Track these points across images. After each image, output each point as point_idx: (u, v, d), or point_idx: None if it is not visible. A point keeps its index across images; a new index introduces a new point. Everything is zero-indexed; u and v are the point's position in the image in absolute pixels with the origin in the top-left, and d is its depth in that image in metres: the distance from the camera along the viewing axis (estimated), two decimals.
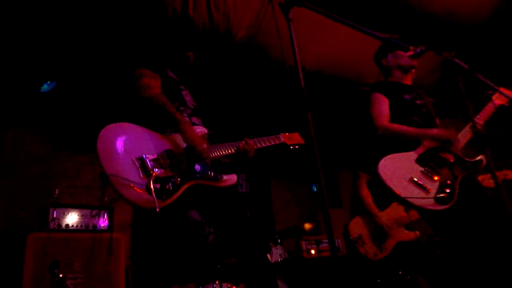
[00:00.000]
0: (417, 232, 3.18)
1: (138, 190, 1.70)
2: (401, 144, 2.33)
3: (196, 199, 2.10)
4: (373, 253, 3.16)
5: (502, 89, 2.29)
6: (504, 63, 4.25)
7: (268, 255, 4.09)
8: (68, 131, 4.65)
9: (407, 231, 3.20)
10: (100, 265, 3.38)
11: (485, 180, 2.91)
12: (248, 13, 3.52)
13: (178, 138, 2.06)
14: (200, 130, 2.16)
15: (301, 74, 1.41)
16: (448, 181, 2.15)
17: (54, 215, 3.41)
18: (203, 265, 3.70)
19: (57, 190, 3.74)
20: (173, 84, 2.30)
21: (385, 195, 3.19)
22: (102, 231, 3.63)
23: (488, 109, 2.32)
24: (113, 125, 1.85)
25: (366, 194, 3.46)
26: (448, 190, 2.10)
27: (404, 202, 2.09)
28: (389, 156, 2.26)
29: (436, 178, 2.16)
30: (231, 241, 2.13)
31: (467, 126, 2.28)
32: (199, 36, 3.69)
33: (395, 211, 3.23)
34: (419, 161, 2.24)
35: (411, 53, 2.47)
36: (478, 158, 2.24)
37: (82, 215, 3.60)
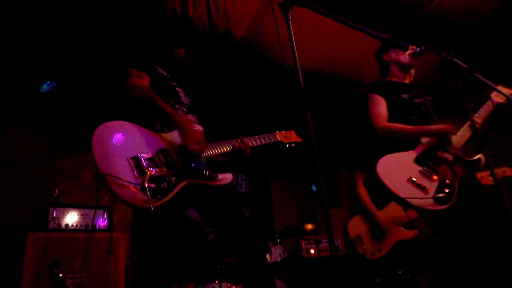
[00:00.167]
0: (415, 231, 3.18)
1: (133, 189, 1.69)
2: (399, 143, 2.33)
3: (192, 198, 2.09)
4: (371, 253, 3.17)
5: (500, 87, 2.30)
6: (504, 63, 4.25)
7: (267, 255, 4.09)
8: (68, 131, 4.65)
9: (405, 230, 3.20)
10: (100, 265, 3.38)
11: (484, 177, 2.92)
12: (247, 13, 3.52)
13: (174, 136, 2.05)
14: (196, 128, 2.16)
15: (300, 74, 1.42)
16: (447, 181, 2.14)
17: (54, 215, 3.41)
18: (203, 265, 3.70)
19: (56, 189, 3.74)
20: (164, 81, 2.29)
21: (383, 194, 3.19)
22: (101, 230, 3.63)
23: (487, 108, 2.32)
24: (108, 124, 1.84)
25: (363, 192, 3.47)
26: (447, 190, 2.10)
27: (403, 202, 2.08)
28: (388, 156, 2.26)
29: (435, 177, 2.15)
30: (229, 240, 2.12)
31: (466, 125, 2.29)
32: (199, 36, 3.69)
33: (393, 210, 3.24)
34: (418, 160, 2.23)
35: (411, 51, 2.48)
36: (477, 157, 2.24)
37: (82, 215, 3.60)
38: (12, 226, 3.96)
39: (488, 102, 2.34)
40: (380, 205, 3.32)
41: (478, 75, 1.78)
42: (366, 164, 3.63)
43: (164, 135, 2.04)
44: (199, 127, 2.15)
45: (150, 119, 2.10)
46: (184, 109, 2.26)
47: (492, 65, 4.16)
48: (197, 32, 3.61)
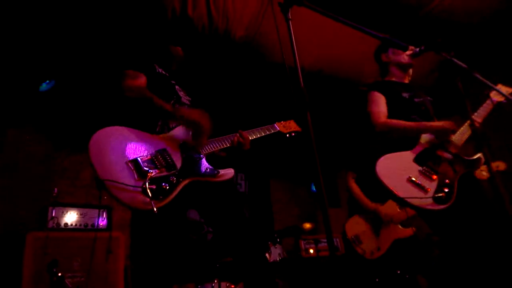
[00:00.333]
0: (413, 228, 3.18)
1: (134, 192, 1.69)
2: (398, 142, 2.33)
3: (194, 196, 2.09)
4: (370, 252, 3.16)
5: (499, 86, 2.30)
6: (504, 63, 4.26)
7: (267, 254, 4.09)
8: (68, 130, 4.65)
9: (403, 228, 3.20)
10: (99, 264, 3.38)
11: (477, 172, 2.91)
12: (247, 13, 3.52)
13: (174, 135, 2.05)
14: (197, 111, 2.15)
15: (300, 74, 1.42)
16: (447, 180, 2.14)
17: (53, 214, 3.40)
18: (202, 265, 3.70)
19: (56, 189, 3.73)
20: (164, 80, 2.28)
21: (378, 192, 3.19)
22: (101, 230, 3.63)
23: (486, 107, 2.32)
24: (103, 130, 1.83)
25: (356, 190, 3.47)
26: (446, 190, 2.09)
27: (402, 202, 2.08)
28: (387, 155, 2.26)
29: (434, 177, 2.15)
30: (229, 239, 2.12)
31: (466, 124, 2.29)
32: (198, 36, 3.69)
33: (391, 208, 3.23)
34: (417, 160, 2.23)
35: (410, 52, 2.48)
36: (477, 156, 2.24)
37: (81, 214, 3.60)
38: (12, 226, 3.96)
39: (488, 101, 2.34)
40: (376, 201, 3.32)
41: (478, 75, 1.78)
42: (357, 164, 3.64)
43: (163, 135, 2.04)
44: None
45: (150, 120, 2.10)
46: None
47: (492, 64, 4.16)
48: (197, 32, 3.61)
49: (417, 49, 2.33)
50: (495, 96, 2.34)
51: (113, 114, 2.09)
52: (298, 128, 2.59)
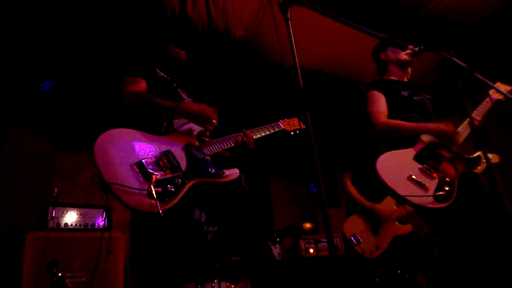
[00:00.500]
0: (411, 225, 3.18)
1: (140, 195, 1.68)
2: (399, 140, 2.33)
3: (200, 197, 2.09)
4: (369, 251, 3.16)
5: (498, 84, 2.30)
6: (503, 62, 4.26)
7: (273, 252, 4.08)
8: (68, 130, 4.65)
9: (401, 225, 3.20)
10: (99, 264, 3.37)
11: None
12: (246, 12, 3.52)
13: (179, 136, 2.05)
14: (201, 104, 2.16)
15: (300, 74, 1.42)
16: (447, 179, 2.14)
17: (53, 214, 3.40)
18: (202, 264, 3.69)
19: (56, 189, 3.73)
20: (165, 83, 2.28)
21: (375, 191, 3.18)
22: (101, 230, 3.63)
23: (486, 105, 2.32)
24: (107, 133, 1.83)
25: (354, 191, 3.48)
26: (447, 188, 2.09)
27: (402, 200, 2.07)
28: (387, 153, 2.25)
29: (434, 175, 2.15)
30: (237, 237, 2.12)
31: (465, 122, 2.29)
32: (198, 36, 3.69)
33: (388, 206, 3.23)
34: (418, 158, 2.23)
35: (410, 51, 2.48)
36: (476, 154, 2.24)
37: (81, 214, 3.60)
38: (12, 226, 3.96)
39: (487, 99, 2.34)
40: (373, 200, 3.32)
41: (477, 74, 1.78)
42: (355, 164, 3.64)
43: (168, 137, 2.04)
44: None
45: (155, 121, 2.10)
46: None
47: (491, 64, 4.17)
48: (197, 31, 3.61)
49: (417, 48, 2.34)
50: (494, 94, 2.34)
51: (116, 115, 2.09)
52: (302, 125, 2.59)
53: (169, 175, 1.82)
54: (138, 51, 3.75)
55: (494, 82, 2.18)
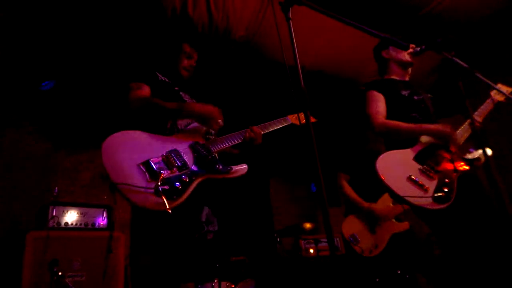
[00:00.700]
0: (408, 222, 3.18)
1: (147, 194, 1.70)
2: (398, 141, 2.33)
3: (208, 194, 2.11)
4: (368, 250, 3.16)
5: (499, 85, 2.30)
6: (504, 62, 4.26)
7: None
8: (68, 130, 4.65)
9: (398, 222, 3.20)
10: (100, 264, 3.38)
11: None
12: (247, 12, 3.52)
13: (185, 135, 2.07)
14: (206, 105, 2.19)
15: (301, 74, 1.42)
16: (446, 180, 2.13)
17: (54, 214, 3.40)
18: (202, 264, 3.70)
19: (56, 188, 3.74)
20: (167, 87, 2.31)
21: (372, 192, 3.18)
22: (101, 229, 3.63)
23: (487, 106, 2.32)
24: (115, 135, 1.86)
25: (350, 192, 3.48)
26: (446, 189, 2.09)
27: (401, 200, 2.07)
28: (387, 153, 2.25)
29: (434, 176, 2.15)
30: (242, 235, 2.13)
31: (466, 123, 2.28)
32: (198, 36, 3.69)
33: (384, 204, 3.23)
34: (417, 158, 2.22)
35: (411, 51, 2.48)
36: (477, 155, 2.24)
37: (81, 214, 3.60)
38: (12, 225, 3.96)
39: (488, 100, 2.34)
40: (370, 201, 3.32)
41: (479, 75, 1.78)
42: (352, 165, 3.64)
43: (174, 136, 2.06)
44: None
45: (159, 123, 2.13)
46: None
47: (492, 64, 4.17)
48: (197, 31, 3.61)
49: (418, 48, 2.33)
50: (495, 96, 2.34)
51: (122, 118, 2.14)
52: (312, 119, 2.58)
53: (176, 173, 1.84)
54: (139, 55, 3.77)
55: (495, 83, 2.18)
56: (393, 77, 2.65)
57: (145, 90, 2.19)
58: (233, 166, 2.08)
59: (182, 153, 1.96)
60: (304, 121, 2.53)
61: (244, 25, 3.66)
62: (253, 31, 3.75)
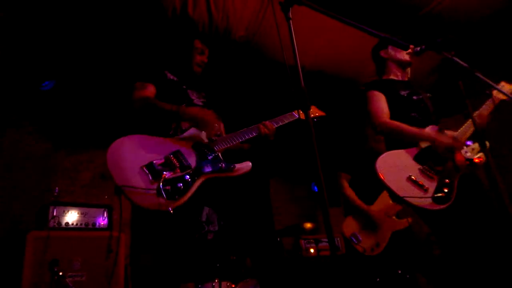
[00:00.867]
0: (409, 219, 3.17)
1: (149, 194, 1.73)
2: (398, 141, 2.32)
3: (212, 193, 2.10)
4: (370, 249, 3.16)
5: (502, 83, 2.29)
6: (504, 62, 4.26)
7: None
8: (68, 130, 4.65)
9: (398, 220, 3.20)
10: (100, 264, 3.38)
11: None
12: (247, 11, 3.52)
13: (187, 136, 2.08)
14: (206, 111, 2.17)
15: (301, 74, 1.42)
16: (447, 180, 2.13)
17: (54, 213, 3.40)
18: (202, 264, 3.70)
19: (57, 188, 3.74)
20: (174, 85, 2.30)
21: (373, 193, 3.17)
22: (101, 229, 3.63)
23: (488, 106, 2.31)
24: (119, 140, 1.90)
25: (350, 192, 3.48)
26: (446, 190, 2.09)
27: (401, 200, 2.07)
28: (387, 153, 2.25)
29: (434, 177, 2.15)
30: (245, 236, 2.13)
31: (467, 123, 2.28)
32: (198, 35, 3.68)
33: (383, 203, 3.24)
34: (418, 159, 2.22)
35: (410, 51, 2.47)
36: (477, 155, 2.24)
37: (82, 213, 3.60)
38: (12, 225, 3.96)
39: (490, 100, 2.33)
40: (370, 201, 3.33)
41: (479, 74, 1.78)
42: (352, 165, 3.64)
43: (177, 137, 2.07)
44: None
45: (163, 124, 2.14)
46: None
47: (493, 63, 4.16)
48: (197, 31, 3.61)
49: (418, 48, 2.33)
50: (497, 95, 2.33)
51: (127, 119, 2.15)
52: (322, 113, 2.57)
53: (178, 174, 1.86)
54: (145, 54, 3.77)
55: (497, 82, 2.17)
56: (392, 77, 2.65)
57: (149, 90, 2.19)
58: (236, 164, 2.09)
59: (185, 154, 1.97)
60: (314, 114, 2.53)
61: (244, 25, 3.66)
62: (253, 31, 3.75)
